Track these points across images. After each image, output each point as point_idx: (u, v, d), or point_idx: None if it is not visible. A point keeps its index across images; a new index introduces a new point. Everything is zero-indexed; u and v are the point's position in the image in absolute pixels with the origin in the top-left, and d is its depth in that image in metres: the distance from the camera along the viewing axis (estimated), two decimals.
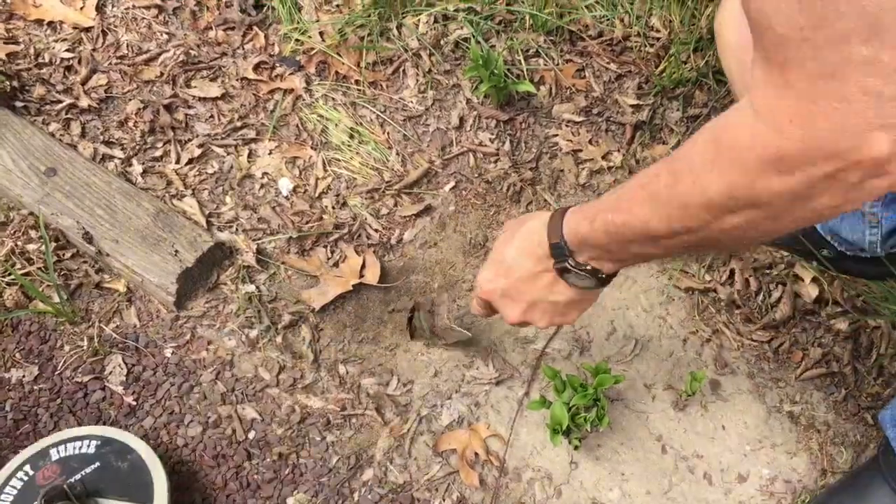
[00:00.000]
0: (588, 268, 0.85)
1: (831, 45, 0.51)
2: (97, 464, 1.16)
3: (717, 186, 0.65)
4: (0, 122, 1.45)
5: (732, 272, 1.40)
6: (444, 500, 1.23)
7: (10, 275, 1.35)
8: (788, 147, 0.58)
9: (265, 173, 1.51)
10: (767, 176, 0.61)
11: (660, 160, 0.75)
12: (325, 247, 1.44)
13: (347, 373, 1.33)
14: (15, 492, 1.13)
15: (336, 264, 1.42)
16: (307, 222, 1.45)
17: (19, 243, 1.38)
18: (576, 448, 1.23)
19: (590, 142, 1.54)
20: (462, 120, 1.56)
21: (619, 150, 1.53)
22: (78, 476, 1.15)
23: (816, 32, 0.51)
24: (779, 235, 0.69)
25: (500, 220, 1.48)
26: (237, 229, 1.44)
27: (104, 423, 1.28)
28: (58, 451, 1.17)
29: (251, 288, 1.38)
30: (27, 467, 1.15)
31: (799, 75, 0.54)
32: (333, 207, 1.48)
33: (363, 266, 1.41)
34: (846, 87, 0.52)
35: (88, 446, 1.17)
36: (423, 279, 1.42)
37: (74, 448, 1.17)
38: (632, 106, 1.56)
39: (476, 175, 1.51)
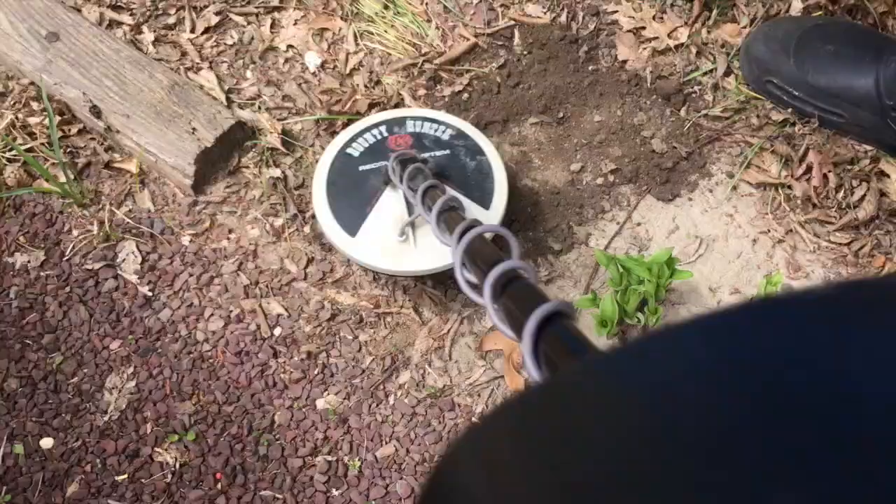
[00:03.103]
0: None
1: None
2: (448, 151, 1.14)
3: None
4: None
5: (810, 167, 1.25)
6: (486, 406, 1.13)
7: (11, 150, 1.22)
8: None
9: (290, 46, 1.36)
10: None
11: None
12: None
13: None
14: (367, 144, 1.14)
15: None
16: (337, 101, 1.30)
17: (20, 116, 1.25)
18: None
19: (654, 18, 1.37)
20: None
21: (686, 25, 1.36)
22: (428, 155, 1.12)
23: None
24: None
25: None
26: (260, 107, 1.30)
27: (117, 313, 1.17)
28: (414, 125, 1.16)
29: (276, 172, 1.25)
30: (382, 128, 1.16)
31: None
32: (366, 86, 1.33)
33: None
34: None
35: (444, 132, 1.16)
36: None
37: (430, 129, 1.16)
38: None
39: (525, 52, 1.35)
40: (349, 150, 1.14)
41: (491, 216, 1.10)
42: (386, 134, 1.15)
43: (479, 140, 1.16)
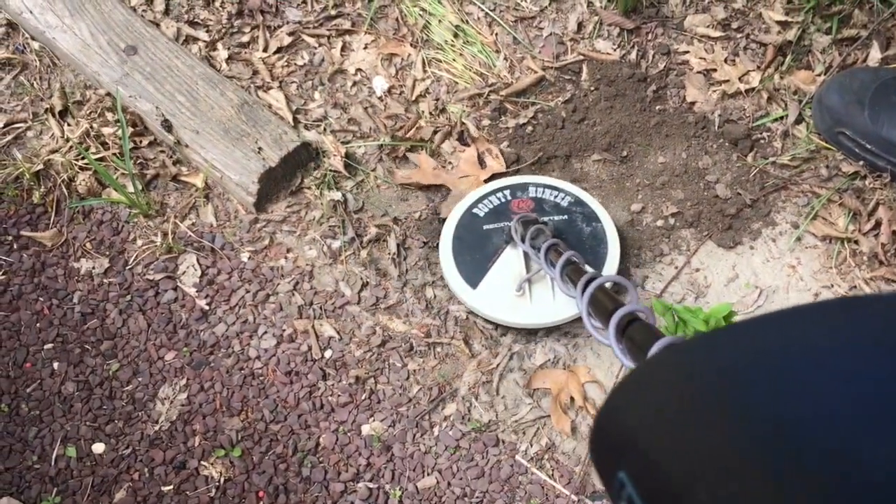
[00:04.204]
0: None
1: None
2: (566, 217, 1.21)
3: None
4: None
5: (879, 223, 1.22)
6: (531, 444, 1.12)
7: (83, 159, 1.26)
8: None
9: (359, 69, 1.37)
10: None
11: None
12: (423, 149, 1.31)
13: (435, 297, 1.21)
14: (492, 206, 1.22)
15: (452, 166, 1.30)
16: (401, 127, 1.31)
17: (94, 125, 1.28)
18: None
19: (725, 60, 1.35)
20: (581, 25, 1.39)
21: (758, 69, 1.34)
22: (547, 219, 1.20)
23: None
24: None
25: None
26: (325, 129, 1.32)
27: (174, 325, 1.19)
28: (536, 190, 1.23)
29: (337, 195, 1.26)
30: (507, 192, 1.23)
31: None
32: (431, 113, 1.34)
33: (480, 157, 1.29)
34: None
35: (563, 199, 1.23)
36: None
37: (551, 195, 1.23)
38: (778, 23, 1.36)
39: (592, 88, 1.35)
40: (475, 210, 1.21)
41: None
42: (510, 198, 1.22)
43: (596, 208, 1.22)
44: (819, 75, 1.34)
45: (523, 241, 1.09)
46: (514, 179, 1.25)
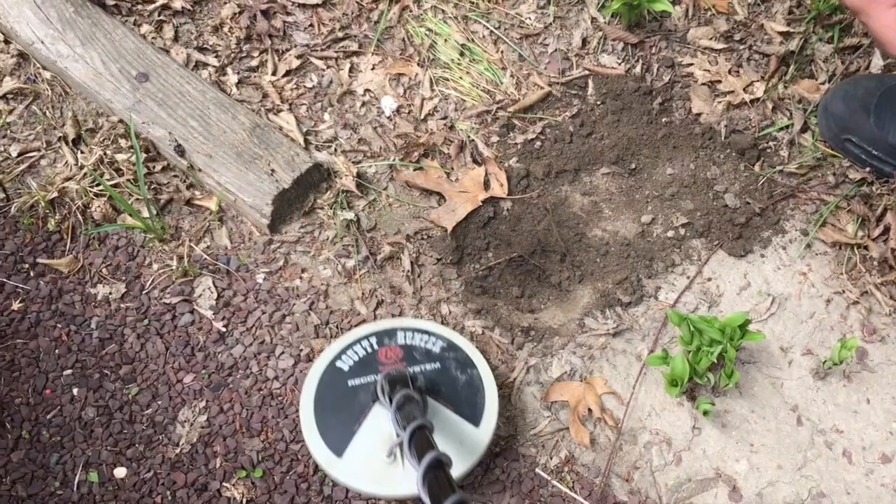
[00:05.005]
0: None
1: None
2: (438, 365, 1.12)
3: None
4: (91, 21, 1.35)
5: (888, 228, 1.23)
6: (551, 457, 1.13)
7: (98, 185, 1.27)
8: None
9: (367, 90, 1.39)
10: None
11: None
12: (436, 157, 1.33)
13: (450, 313, 1.22)
14: (357, 357, 1.11)
15: (456, 179, 1.31)
16: (411, 147, 1.33)
17: (108, 152, 1.30)
18: (705, 413, 1.10)
19: (729, 72, 1.37)
20: (585, 41, 1.40)
21: (762, 80, 1.35)
22: (418, 368, 1.10)
23: None
24: None
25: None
26: (336, 150, 1.33)
27: (192, 347, 1.20)
28: (404, 337, 1.14)
29: (350, 215, 1.28)
30: (373, 339, 1.13)
31: None
32: (440, 131, 1.35)
33: (486, 178, 1.30)
34: None
35: (434, 344, 1.13)
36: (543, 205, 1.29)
37: (421, 340, 1.14)
38: (780, 33, 1.38)
39: (599, 102, 1.36)
40: (338, 364, 1.11)
41: (481, 434, 1.07)
42: (376, 346, 1.13)
43: (470, 352, 1.14)
44: (822, 84, 1.35)
45: (390, 403, 0.98)
46: (381, 325, 1.15)
